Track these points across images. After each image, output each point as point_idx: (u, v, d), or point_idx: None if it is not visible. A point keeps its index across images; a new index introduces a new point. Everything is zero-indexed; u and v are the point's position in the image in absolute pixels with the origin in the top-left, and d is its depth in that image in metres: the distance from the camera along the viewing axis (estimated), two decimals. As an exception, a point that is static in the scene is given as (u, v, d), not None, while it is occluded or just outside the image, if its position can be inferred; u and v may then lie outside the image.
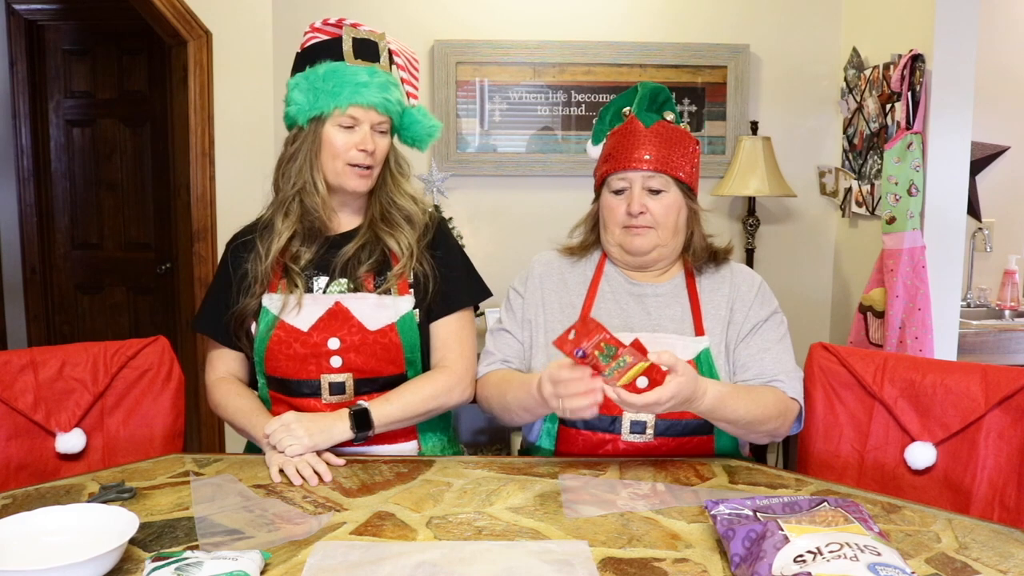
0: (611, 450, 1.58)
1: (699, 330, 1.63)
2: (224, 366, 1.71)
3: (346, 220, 1.68)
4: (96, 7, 3.98)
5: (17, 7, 4.00)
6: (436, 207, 2.99)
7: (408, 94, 1.66)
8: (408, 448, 1.67)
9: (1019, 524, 1.38)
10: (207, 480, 1.45)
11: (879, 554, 1.01)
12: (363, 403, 1.58)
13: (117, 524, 1.14)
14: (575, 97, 3.21)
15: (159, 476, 1.47)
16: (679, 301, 1.68)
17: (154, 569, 1.04)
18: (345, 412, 1.56)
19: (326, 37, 1.62)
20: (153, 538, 1.20)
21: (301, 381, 1.61)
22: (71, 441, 1.65)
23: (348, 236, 1.66)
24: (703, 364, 1.59)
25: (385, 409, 1.58)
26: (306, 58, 1.62)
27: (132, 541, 1.16)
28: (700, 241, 1.69)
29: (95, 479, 1.45)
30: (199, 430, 3.09)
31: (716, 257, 1.71)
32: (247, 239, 1.68)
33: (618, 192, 1.65)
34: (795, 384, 1.59)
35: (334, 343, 1.59)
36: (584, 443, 1.60)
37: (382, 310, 1.61)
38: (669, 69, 3.19)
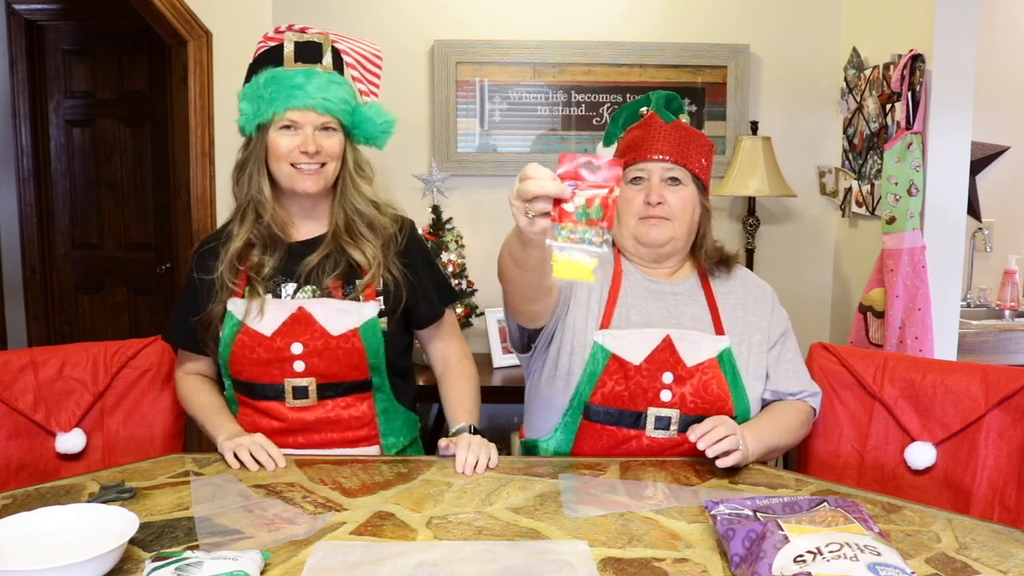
0: (635, 446, 1.59)
1: (719, 329, 1.65)
2: (193, 366, 1.73)
3: (307, 228, 1.68)
4: (96, 7, 3.97)
5: (17, 7, 4.00)
6: (435, 207, 2.99)
7: (361, 92, 1.67)
8: (372, 451, 1.68)
9: (1019, 524, 1.38)
10: (207, 480, 1.45)
11: (879, 554, 1.01)
12: (463, 424, 1.62)
13: (117, 524, 1.14)
14: (575, 97, 3.21)
15: (159, 476, 1.47)
16: (697, 300, 1.69)
17: (154, 569, 1.04)
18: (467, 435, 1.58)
19: (273, 44, 1.64)
20: (153, 538, 1.20)
21: (265, 385, 1.62)
22: (71, 441, 1.65)
23: (310, 244, 1.66)
24: (725, 363, 1.60)
25: (476, 417, 1.67)
26: (253, 69, 1.64)
27: (132, 541, 1.16)
28: (711, 242, 1.72)
29: (95, 479, 1.45)
30: (199, 430, 3.08)
31: (728, 261, 1.74)
32: (211, 246, 1.68)
33: (636, 183, 1.66)
34: (818, 397, 1.69)
35: (297, 348, 1.59)
36: (608, 439, 1.60)
37: (345, 315, 1.60)
38: (669, 69, 3.19)
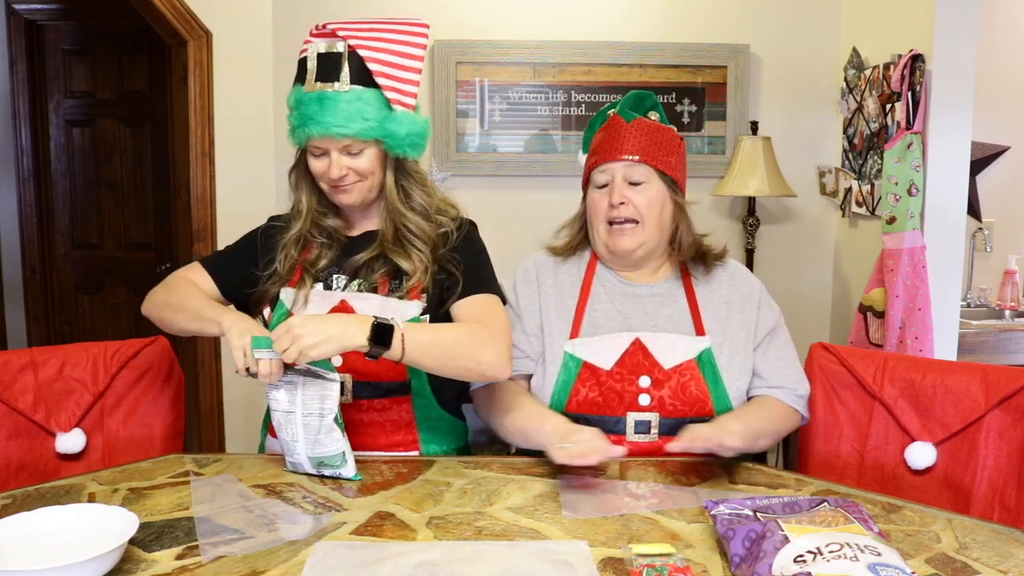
0: None
1: (699, 330, 1.63)
2: (198, 278, 1.67)
3: (362, 225, 1.68)
4: (96, 7, 3.98)
5: (17, 7, 4.00)
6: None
7: (392, 101, 1.55)
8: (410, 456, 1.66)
9: (1019, 524, 1.38)
10: (207, 480, 1.45)
11: (879, 554, 1.01)
12: (396, 320, 1.45)
13: (117, 524, 1.14)
14: (575, 97, 3.21)
15: (159, 476, 1.47)
16: (676, 300, 1.68)
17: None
18: (368, 318, 1.41)
19: (305, 55, 1.58)
20: (153, 538, 1.20)
21: None
22: (71, 441, 1.65)
23: (363, 242, 1.65)
24: (705, 364, 1.59)
25: (415, 332, 1.45)
26: (296, 75, 1.59)
27: (132, 541, 1.16)
28: (687, 236, 1.69)
29: (95, 479, 1.45)
30: (199, 430, 3.09)
31: (705, 258, 1.71)
32: (281, 225, 1.69)
33: (601, 187, 1.66)
34: (804, 399, 1.66)
35: None
36: None
37: (385, 312, 1.57)
38: (669, 69, 3.19)
